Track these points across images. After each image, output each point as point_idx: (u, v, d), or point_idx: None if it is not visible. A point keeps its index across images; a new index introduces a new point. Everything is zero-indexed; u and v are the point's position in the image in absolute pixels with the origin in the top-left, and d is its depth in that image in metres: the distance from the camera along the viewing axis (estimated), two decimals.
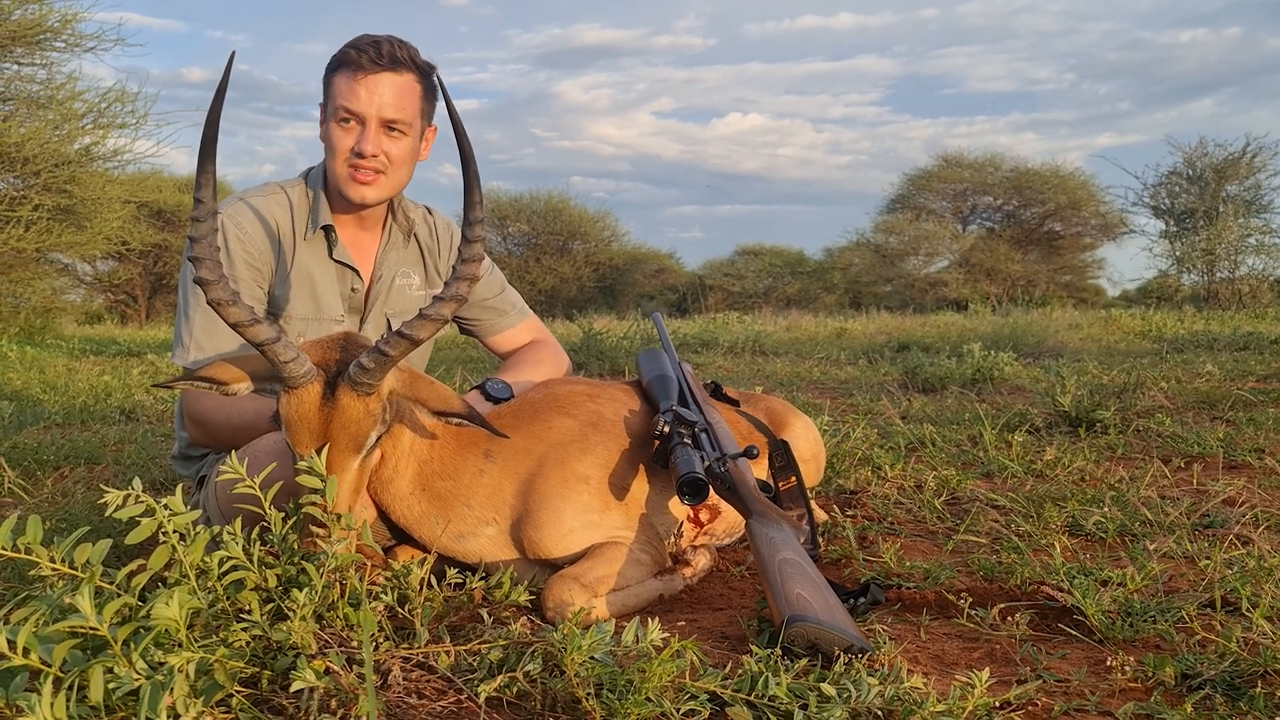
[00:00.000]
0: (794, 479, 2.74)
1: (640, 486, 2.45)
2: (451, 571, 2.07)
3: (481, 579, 2.14)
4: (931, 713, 1.49)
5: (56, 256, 17.91)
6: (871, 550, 2.69)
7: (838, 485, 3.43)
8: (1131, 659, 1.80)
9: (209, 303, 1.85)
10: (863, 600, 2.10)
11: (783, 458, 2.79)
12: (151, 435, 5.12)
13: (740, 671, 1.65)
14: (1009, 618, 2.06)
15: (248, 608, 1.86)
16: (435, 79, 2.75)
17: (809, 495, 2.78)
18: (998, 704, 1.53)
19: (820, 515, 2.99)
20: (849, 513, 3.06)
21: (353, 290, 2.84)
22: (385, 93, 2.61)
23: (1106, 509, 2.90)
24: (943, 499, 3.19)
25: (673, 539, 2.50)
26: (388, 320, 2.92)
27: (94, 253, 18.22)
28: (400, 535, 2.41)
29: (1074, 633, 1.99)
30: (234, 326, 1.86)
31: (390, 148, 2.66)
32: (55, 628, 1.48)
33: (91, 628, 1.48)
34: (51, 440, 4.48)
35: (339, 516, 1.88)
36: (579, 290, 29.18)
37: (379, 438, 2.04)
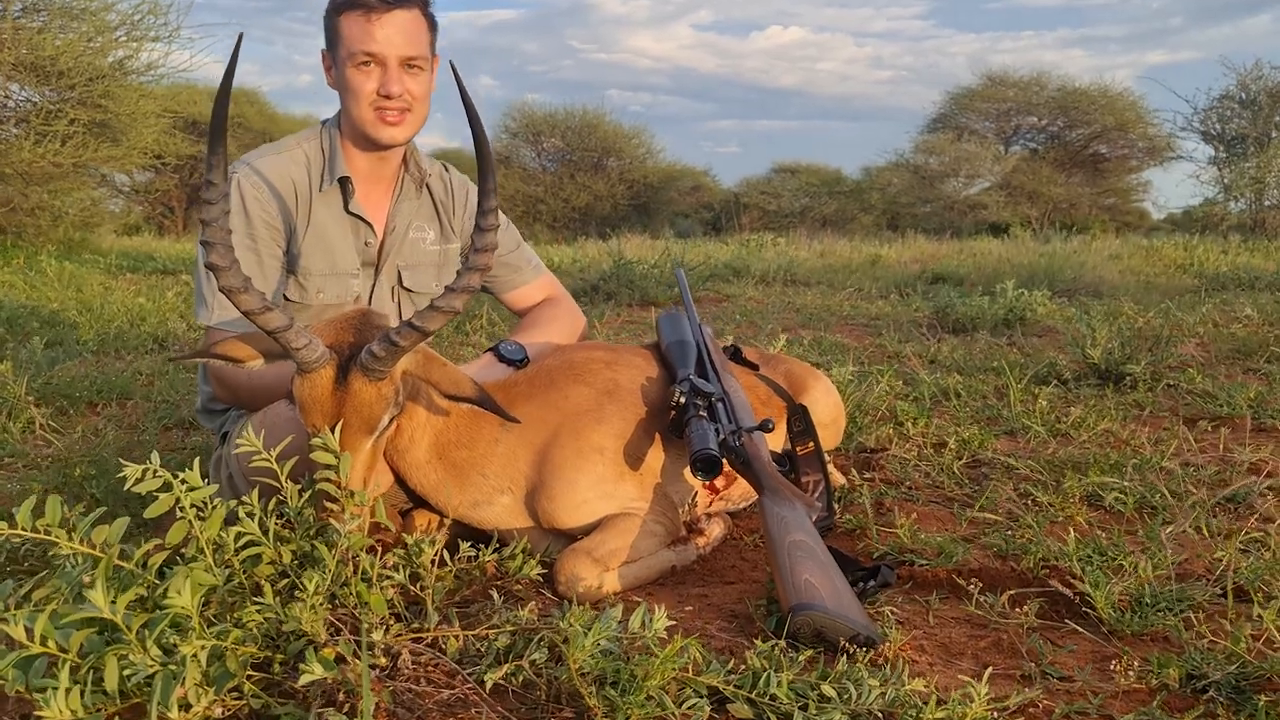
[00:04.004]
0: (811, 444, 2.74)
1: (655, 456, 2.45)
2: (465, 546, 2.09)
3: (495, 551, 2.16)
4: (931, 718, 1.50)
5: (94, 169, 17.92)
6: (887, 519, 2.68)
7: (859, 443, 3.43)
8: (1137, 659, 1.80)
9: (221, 289, 1.85)
10: (873, 583, 2.10)
11: (801, 422, 2.79)
12: (182, 369, 5.19)
13: (743, 667, 1.66)
14: (1019, 606, 2.06)
15: (262, 583, 1.91)
16: (435, 19, 2.76)
17: (826, 461, 2.78)
18: (996, 713, 1.54)
19: (838, 479, 2.99)
20: (867, 475, 3.06)
21: (366, 244, 2.84)
22: (400, 31, 2.61)
23: (1127, 479, 2.88)
24: (963, 462, 3.17)
25: (687, 507, 2.51)
26: (399, 272, 2.92)
27: (130, 166, 18.28)
28: (417, 499, 2.44)
29: (1083, 623, 1.99)
30: (246, 314, 1.86)
31: (412, 85, 2.68)
32: (71, 617, 1.51)
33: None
34: (85, 375, 4.55)
35: (353, 494, 1.91)
36: (613, 208, 28.96)
37: (392, 419, 2.05)
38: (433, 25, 2.74)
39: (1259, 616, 1.84)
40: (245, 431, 1.90)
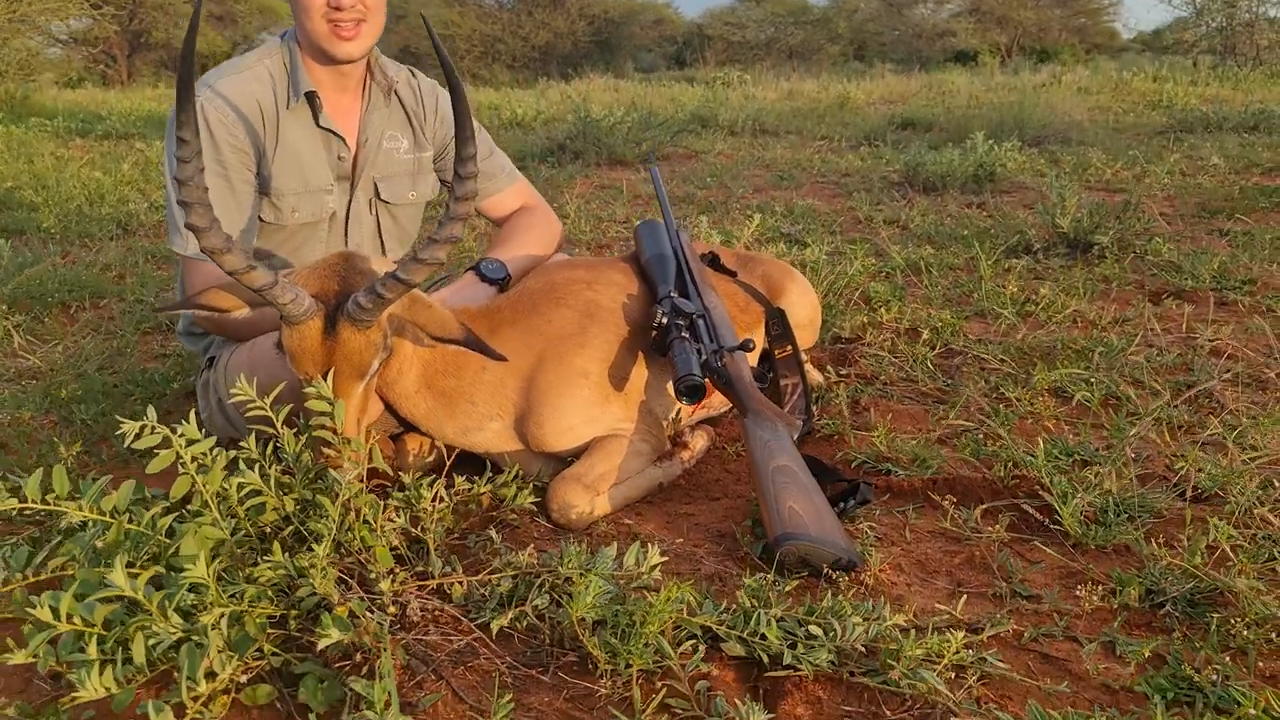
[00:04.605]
0: (789, 348, 2.81)
1: (639, 374, 2.51)
2: (460, 480, 2.16)
3: (489, 480, 2.24)
4: (910, 655, 1.62)
5: (31, 20, 17.10)
6: (864, 419, 2.78)
7: (834, 333, 3.49)
8: (1100, 576, 1.92)
9: (202, 250, 1.84)
10: (852, 501, 2.20)
11: (778, 326, 2.84)
12: (149, 259, 5.14)
13: (734, 607, 1.77)
14: (991, 520, 2.17)
15: (270, 531, 1.98)
16: None
17: (803, 361, 2.86)
18: (971, 646, 1.65)
19: (815, 377, 3.07)
20: (843, 372, 3.14)
21: (339, 158, 2.80)
22: None
23: (1094, 369, 2.98)
24: (936, 352, 3.26)
25: (670, 420, 2.59)
26: (375, 184, 2.89)
27: (68, 15, 17.52)
28: (407, 424, 2.49)
29: (1051, 536, 2.11)
30: (231, 274, 1.86)
31: None
32: (94, 596, 1.58)
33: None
34: (55, 274, 4.50)
35: (349, 441, 1.96)
36: (573, 46, 28.13)
37: (381, 363, 2.08)
38: None
39: (1215, 527, 1.95)
40: (239, 380, 1.93)
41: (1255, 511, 2.08)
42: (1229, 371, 3.00)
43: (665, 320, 2.45)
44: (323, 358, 1.99)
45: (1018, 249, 4.61)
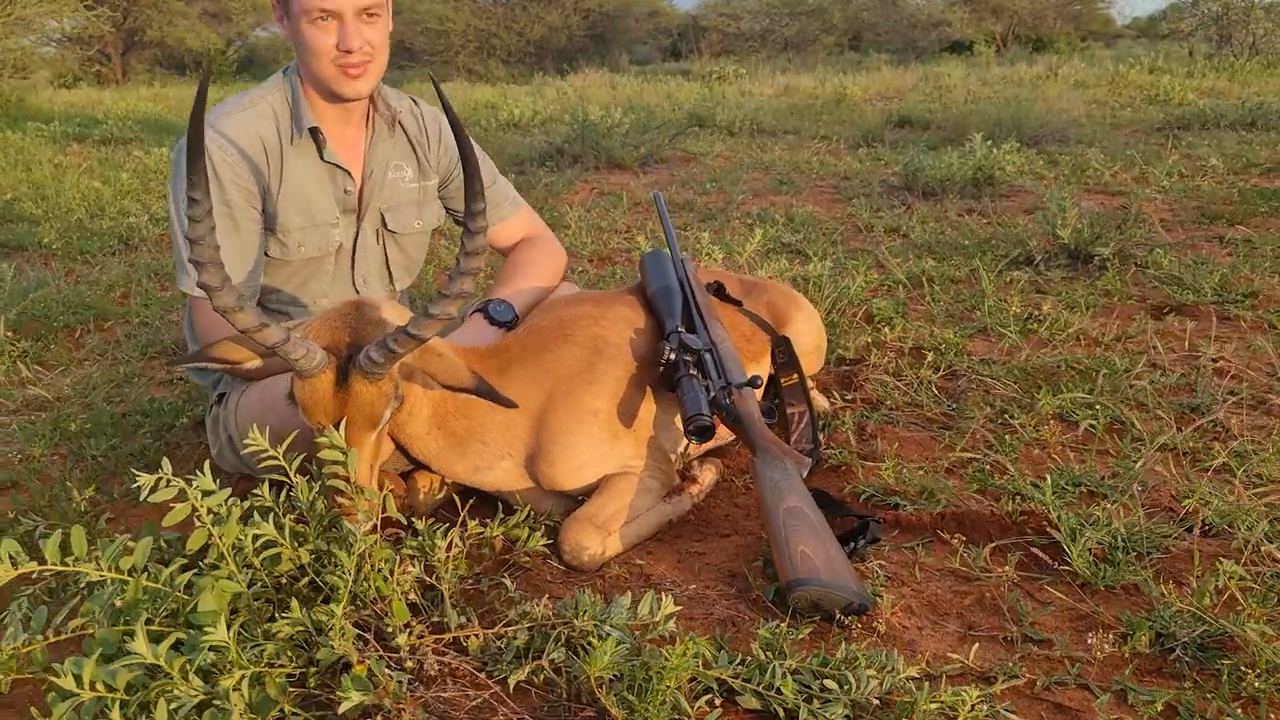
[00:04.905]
0: (795, 376, 2.83)
1: (648, 410, 2.52)
2: (473, 524, 2.17)
3: (501, 522, 2.25)
4: (925, 709, 1.63)
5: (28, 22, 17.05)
6: (870, 447, 2.80)
7: (839, 354, 3.50)
8: (1110, 618, 1.94)
9: (215, 309, 1.85)
10: (862, 540, 2.21)
11: (784, 355, 2.87)
12: (152, 276, 5.15)
13: (749, 658, 1.78)
14: (1000, 559, 2.19)
15: (285, 581, 1.99)
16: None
17: (809, 388, 2.88)
18: (984, 700, 1.67)
19: (821, 403, 3.09)
20: (848, 397, 3.15)
21: (345, 192, 2.81)
22: None
23: (1098, 393, 3.00)
24: (940, 374, 3.27)
25: (679, 454, 2.60)
26: (382, 215, 2.90)
27: (64, 14, 17.50)
28: (418, 462, 2.50)
29: (1060, 574, 2.13)
30: (243, 332, 1.87)
31: (371, 35, 2.59)
32: (115, 665, 1.59)
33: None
34: (58, 295, 4.50)
35: (362, 490, 1.97)
36: (569, 40, 28.04)
37: (392, 411, 2.09)
38: None
39: (1223, 569, 1.97)
40: (252, 431, 1.94)
41: (1264, 549, 2.10)
42: (1232, 393, 3.01)
43: (673, 356, 2.46)
44: (335, 409, 2.01)
45: (1019, 260, 4.62)
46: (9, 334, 3.90)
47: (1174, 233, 5.12)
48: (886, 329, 3.68)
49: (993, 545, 2.23)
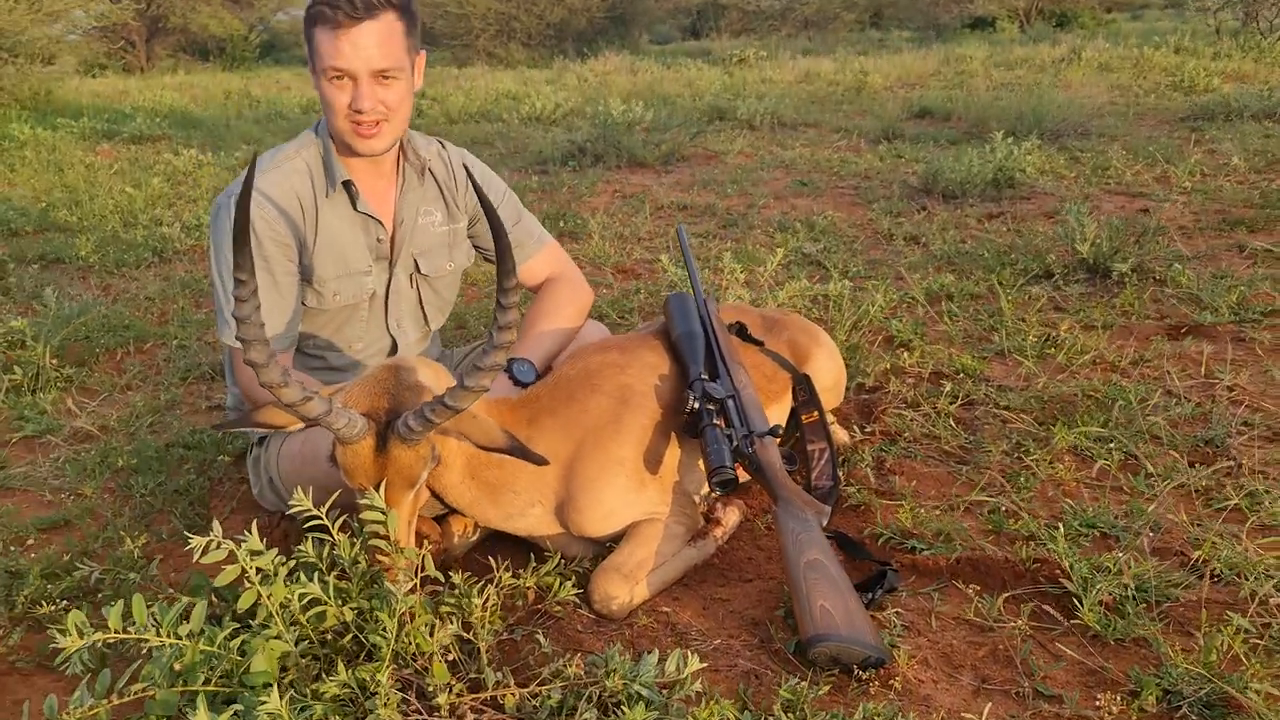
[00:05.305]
0: (816, 414, 2.92)
1: (672, 456, 2.62)
2: (506, 576, 2.27)
3: (534, 572, 2.35)
4: None
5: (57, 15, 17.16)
6: (888, 484, 2.88)
7: (858, 381, 3.58)
8: (1119, 674, 2.03)
9: (261, 384, 1.95)
10: (880, 590, 2.30)
11: (805, 392, 2.96)
12: (186, 292, 5.27)
13: (770, 719, 1.88)
14: (1013, 609, 2.28)
15: (330, 637, 2.10)
16: (414, 14, 2.70)
17: (829, 423, 2.97)
18: None
19: (841, 437, 3.17)
20: (867, 429, 3.23)
21: (378, 240, 2.90)
22: (370, 44, 2.57)
23: (1114, 426, 3.06)
24: (958, 403, 3.34)
25: (702, 496, 2.70)
26: (414, 260, 2.99)
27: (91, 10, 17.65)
28: (453, 508, 2.61)
29: (1072, 623, 2.21)
30: (287, 406, 1.97)
31: (386, 96, 2.65)
32: None
33: None
34: (98, 315, 4.63)
35: (402, 550, 2.08)
36: (588, 22, 27.95)
37: (429, 471, 2.19)
38: (411, 24, 2.68)
39: (1227, 629, 2.05)
40: (297, 492, 2.05)
41: (1271, 601, 2.17)
42: (1247, 424, 3.07)
43: (697, 405, 2.55)
44: (375, 472, 2.11)
45: (1038, 275, 4.67)
46: (53, 361, 4.02)
47: (1194, 240, 5.15)
48: (905, 354, 3.75)
49: (1006, 595, 2.32)
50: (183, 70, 27.12)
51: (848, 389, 3.51)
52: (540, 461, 2.24)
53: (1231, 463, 2.86)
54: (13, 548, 2.69)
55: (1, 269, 5.67)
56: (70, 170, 9.18)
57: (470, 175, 2.19)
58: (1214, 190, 6.21)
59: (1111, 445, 2.97)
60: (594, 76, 17.46)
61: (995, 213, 6.11)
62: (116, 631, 1.87)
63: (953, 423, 3.22)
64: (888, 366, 3.68)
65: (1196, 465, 2.86)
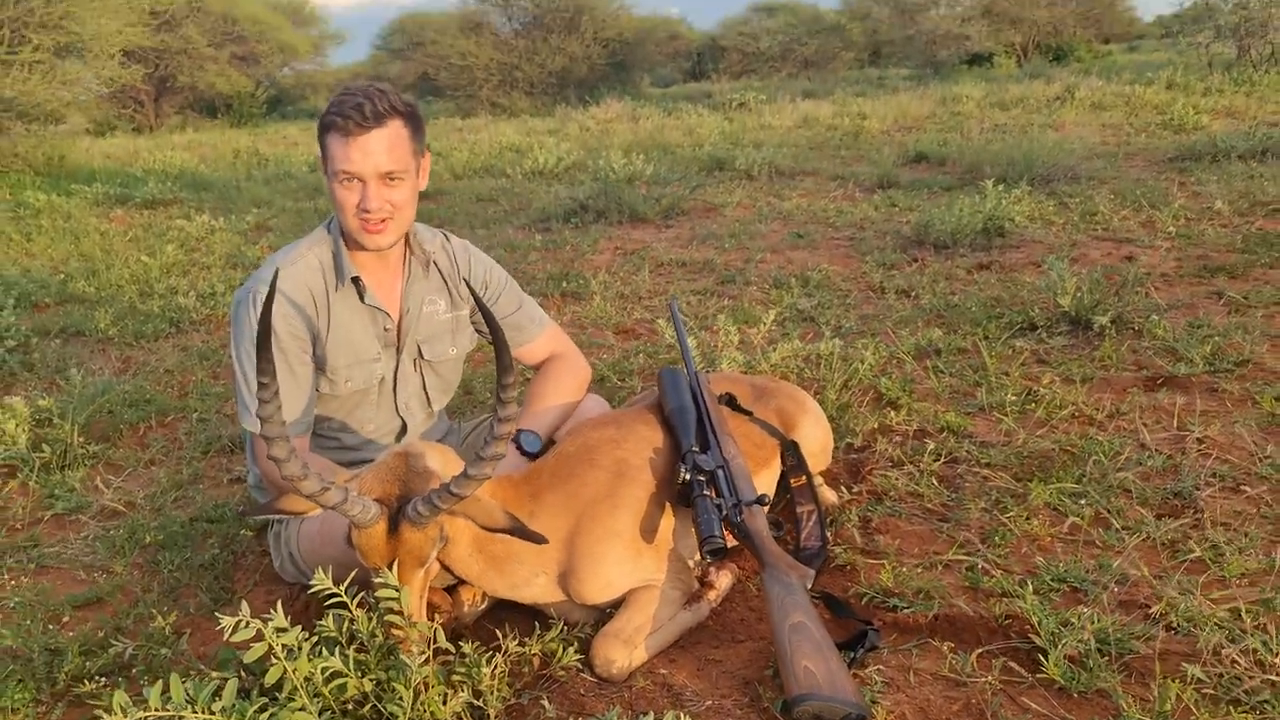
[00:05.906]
0: (804, 478, 3.10)
1: (667, 523, 2.79)
2: (513, 645, 2.45)
3: (539, 638, 2.53)
4: None
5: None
6: (874, 543, 3.05)
7: (847, 441, 3.76)
8: None
9: (284, 477, 2.14)
10: (862, 649, 2.47)
11: (793, 458, 3.14)
12: (204, 363, 5.49)
13: None
14: (986, 665, 2.44)
15: (351, 707, 2.28)
16: (419, 120, 2.92)
17: (817, 486, 3.14)
18: None
19: (829, 497, 3.34)
20: (854, 489, 3.40)
21: (385, 329, 3.10)
22: (378, 149, 2.78)
23: (1087, 482, 3.23)
24: (941, 461, 3.52)
25: (696, 560, 2.87)
26: (418, 347, 3.18)
27: (102, 77, 18.06)
28: (462, 579, 2.79)
29: (1040, 676, 2.37)
30: (309, 498, 2.15)
31: (392, 196, 2.86)
32: None
33: None
34: (120, 392, 4.84)
35: (415, 624, 2.26)
36: (589, 70, 28.46)
37: (438, 550, 2.38)
38: (417, 128, 2.89)
39: (1178, 684, 2.21)
40: (318, 573, 2.23)
41: (1224, 652, 2.33)
42: (1215, 475, 3.24)
43: (688, 477, 2.73)
44: (388, 553, 2.29)
45: (1024, 327, 4.85)
46: (80, 439, 4.22)
47: (1175, 288, 5.33)
48: (893, 412, 3.93)
49: (980, 650, 2.48)
50: (191, 128, 27.65)
51: (837, 447, 3.69)
52: (539, 540, 2.42)
53: (1198, 515, 3.02)
54: (50, 625, 2.87)
55: (25, 344, 5.89)
56: (85, 238, 9.46)
57: (470, 287, 2.40)
58: (1197, 235, 6.41)
59: (1084, 501, 3.13)
60: (596, 125, 17.82)
61: (985, 263, 6.31)
62: (156, 710, 2.05)
63: (935, 481, 3.40)
64: (875, 425, 3.85)
65: (1164, 518, 3.03)
